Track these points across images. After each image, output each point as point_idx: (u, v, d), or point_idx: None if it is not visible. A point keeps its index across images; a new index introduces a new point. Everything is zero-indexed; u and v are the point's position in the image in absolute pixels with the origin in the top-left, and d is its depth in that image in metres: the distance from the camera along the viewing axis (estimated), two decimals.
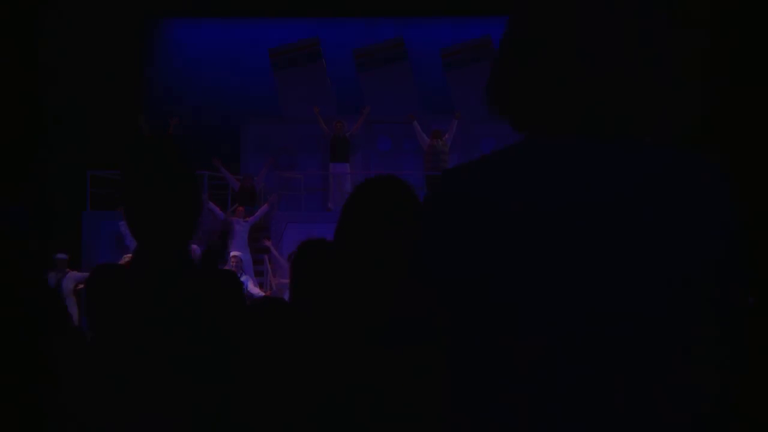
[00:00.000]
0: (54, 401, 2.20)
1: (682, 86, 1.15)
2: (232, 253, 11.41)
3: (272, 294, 11.39)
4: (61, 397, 2.18)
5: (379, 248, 1.93)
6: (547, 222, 1.12)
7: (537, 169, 1.15)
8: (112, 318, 1.96)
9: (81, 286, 10.48)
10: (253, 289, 10.99)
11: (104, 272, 2.04)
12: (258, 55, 14.46)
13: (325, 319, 2.20)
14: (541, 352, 1.11)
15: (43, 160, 12.16)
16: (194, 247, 10.13)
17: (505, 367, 1.13)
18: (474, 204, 1.16)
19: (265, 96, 14.40)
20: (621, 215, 1.10)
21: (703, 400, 1.11)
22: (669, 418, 1.09)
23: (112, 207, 12.27)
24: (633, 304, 1.09)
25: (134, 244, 2.06)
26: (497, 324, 1.13)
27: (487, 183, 1.16)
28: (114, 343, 1.96)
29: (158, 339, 1.93)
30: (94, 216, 13.10)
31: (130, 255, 9.62)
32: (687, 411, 1.10)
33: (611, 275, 1.09)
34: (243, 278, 10.45)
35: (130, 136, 12.39)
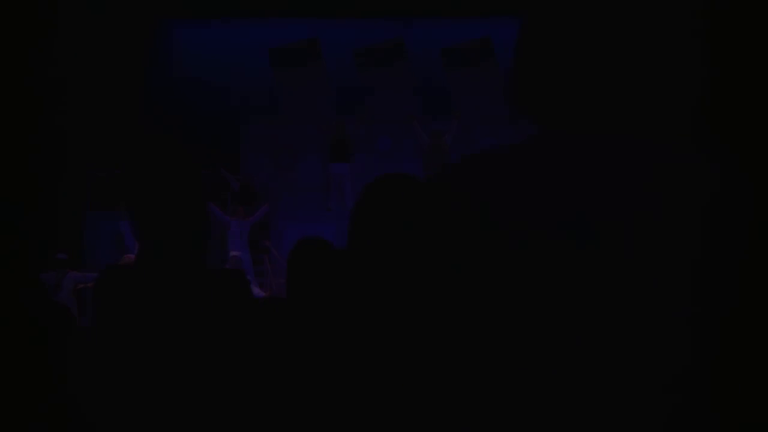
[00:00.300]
0: (55, 401, 2.20)
1: (699, 85, 1.15)
2: (232, 253, 11.40)
3: (272, 294, 11.39)
4: (62, 397, 2.18)
5: (382, 247, 1.93)
6: (548, 219, 1.12)
7: (543, 168, 1.16)
8: (119, 319, 1.97)
9: (81, 286, 10.46)
10: (254, 289, 10.98)
11: (111, 275, 2.04)
12: (258, 55, 14.45)
13: (322, 317, 2.20)
14: (536, 348, 1.11)
15: (43, 160, 12.15)
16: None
17: (498, 365, 1.13)
18: (474, 200, 1.16)
19: (266, 96, 14.39)
20: (624, 212, 1.10)
21: (700, 400, 1.11)
22: (661, 419, 1.09)
23: (112, 207, 12.25)
24: (632, 303, 1.09)
25: (135, 243, 2.06)
26: (492, 318, 1.14)
27: (492, 179, 1.17)
28: (121, 344, 1.96)
29: (164, 339, 1.93)
30: (94, 216, 13.08)
31: (131, 255, 9.59)
32: (681, 411, 1.10)
33: (611, 273, 1.09)
34: None
35: (131, 137, 12.38)
